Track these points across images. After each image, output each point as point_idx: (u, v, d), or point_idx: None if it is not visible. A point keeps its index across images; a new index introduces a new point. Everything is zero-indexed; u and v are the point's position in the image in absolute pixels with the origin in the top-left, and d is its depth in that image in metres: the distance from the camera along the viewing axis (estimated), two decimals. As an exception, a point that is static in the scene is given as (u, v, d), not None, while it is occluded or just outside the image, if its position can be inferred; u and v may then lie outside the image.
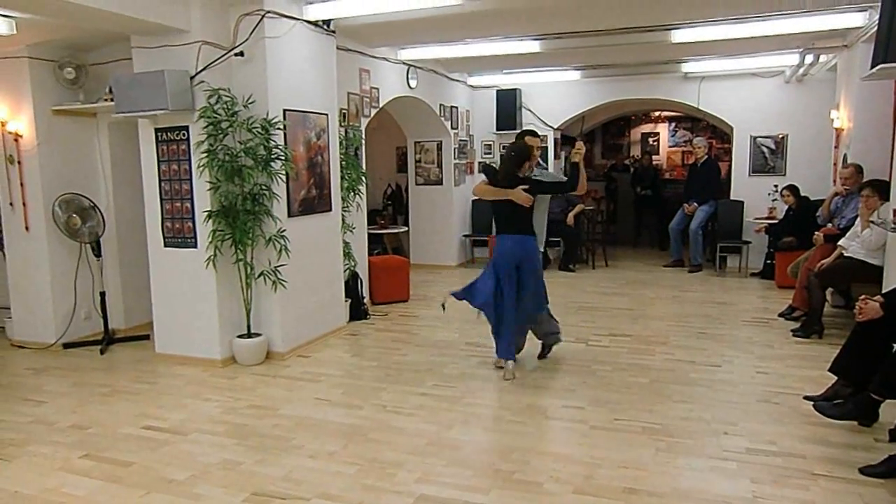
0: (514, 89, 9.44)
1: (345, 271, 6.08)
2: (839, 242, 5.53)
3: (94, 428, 3.87)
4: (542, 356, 5.08)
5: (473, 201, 9.69)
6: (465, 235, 9.68)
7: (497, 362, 4.82)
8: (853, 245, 5.32)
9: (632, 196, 11.49)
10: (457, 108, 9.21)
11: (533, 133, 5.00)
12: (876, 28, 4.09)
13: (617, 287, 7.87)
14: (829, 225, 6.31)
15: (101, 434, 3.78)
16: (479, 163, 4.67)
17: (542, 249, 4.84)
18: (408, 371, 4.83)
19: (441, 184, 9.21)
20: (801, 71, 7.74)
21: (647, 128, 13.16)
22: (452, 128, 9.10)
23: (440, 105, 8.69)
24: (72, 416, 4.07)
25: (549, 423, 3.84)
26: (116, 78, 4.75)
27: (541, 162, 5.17)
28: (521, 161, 4.55)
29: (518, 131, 5.40)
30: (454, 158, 9.20)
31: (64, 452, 3.54)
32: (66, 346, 5.55)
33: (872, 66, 3.98)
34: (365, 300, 6.57)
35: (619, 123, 13.17)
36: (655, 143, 13.06)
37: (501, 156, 4.75)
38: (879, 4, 3.96)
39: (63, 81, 5.46)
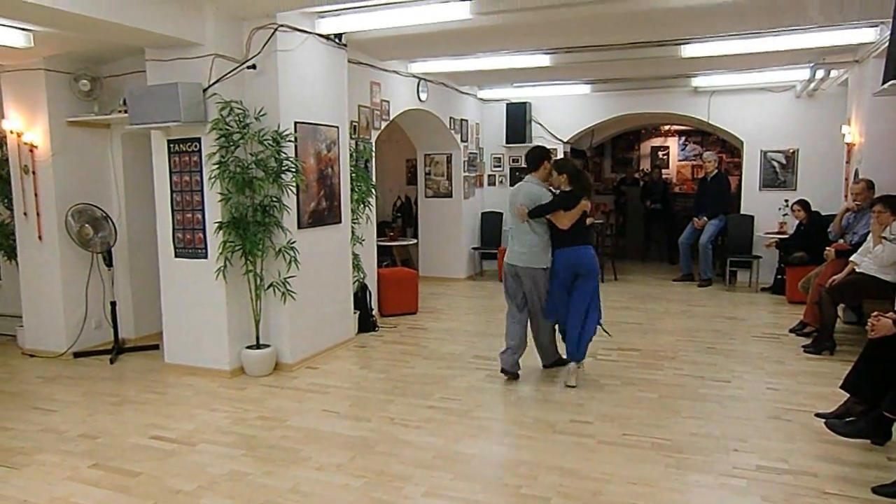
0: (524, 103, 9.47)
1: (354, 283, 6.09)
2: (851, 258, 5.49)
3: (103, 437, 3.88)
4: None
5: (482, 214, 9.71)
6: (475, 248, 9.68)
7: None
8: (865, 261, 5.28)
9: (641, 210, 11.45)
10: (467, 121, 9.25)
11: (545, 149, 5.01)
12: (887, 43, 4.09)
13: (626, 301, 7.83)
14: (841, 240, 6.27)
15: (109, 444, 3.79)
16: (538, 207, 4.64)
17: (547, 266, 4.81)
18: (416, 384, 4.82)
19: (451, 196, 9.24)
20: (812, 86, 7.72)
21: (657, 141, 13.15)
22: (462, 141, 9.13)
23: (450, 118, 8.73)
24: (81, 425, 4.09)
25: (557, 438, 3.82)
26: (130, 90, 4.81)
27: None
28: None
29: (532, 145, 5.39)
30: (464, 171, 9.23)
31: (73, 461, 3.56)
32: (77, 355, 5.58)
33: (884, 82, 3.98)
34: (374, 312, 6.57)
35: (629, 137, 13.17)
36: (665, 157, 13.04)
37: (577, 172, 4.78)
38: (891, 20, 3.97)
39: (78, 93, 5.53)
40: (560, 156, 9.56)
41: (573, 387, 4.67)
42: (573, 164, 4.92)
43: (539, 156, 4.84)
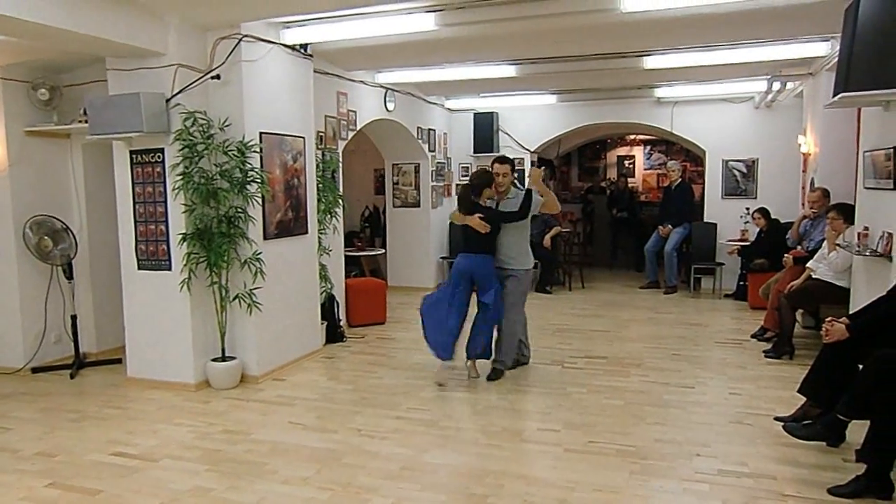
0: (492, 112, 9.55)
1: (321, 294, 6.06)
2: (808, 264, 5.65)
3: (62, 455, 3.79)
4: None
5: (450, 223, 9.72)
6: (443, 257, 9.69)
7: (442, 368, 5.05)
8: (821, 267, 5.44)
9: (608, 218, 11.62)
10: (434, 130, 9.28)
11: (501, 160, 5.17)
12: (838, 57, 4.23)
13: (593, 309, 7.93)
14: (799, 247, 6.44)
15: (68, 461, 3.70)
16: (456, 185, 4.99)
17: (529, 268, 5.15)
18: (383, 394, 4.80)
19: (419, 206, 9.25)
20: (770, 97, 7.94)
21: (622, 151, 13.36)
22: (430, 150, 9.16)
23: (418, 128, 8.75)
24: (38, 443, 3.98)
25: (524, 447, 3.84)
26: (91, 100, 4.73)
27: (517, 185, 5.27)
28: (478, 189, 4.97)
29: (498, 155, 5.59)
30: (432, 181, 9.25)
31: (28, 481, 3.46)
32: (35, 370, 5.44)
33: (835, 95, 4.11)
34: (341, 323, 6.54)
35: (596, 146, 13.37)
36: (631, 166, 13.26)
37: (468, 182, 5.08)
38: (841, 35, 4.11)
39: (36, 102, 5.42)
40: (529, 165, 9.67)
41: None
42: (472, 173, 5.30)
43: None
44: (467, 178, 4.85)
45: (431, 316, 5.03)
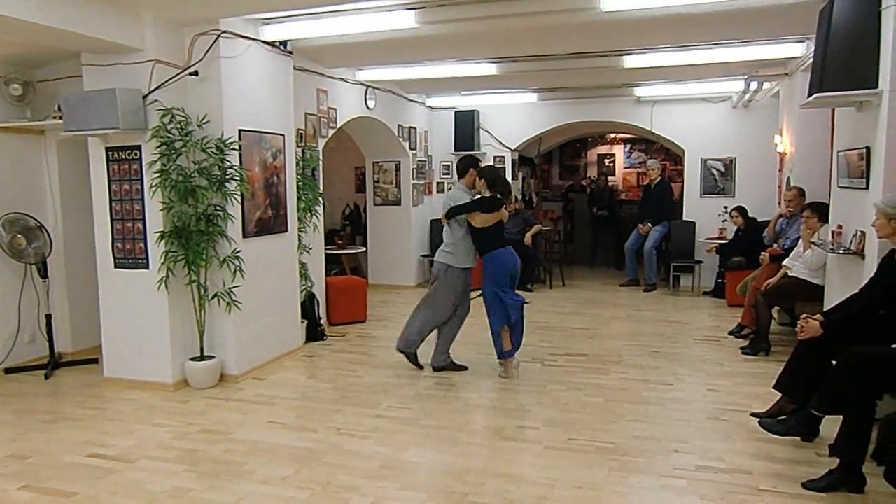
0: (473, 111, 9.55)
1: (301, 292, 6.03)
2: (784, 262, 5.73)
3: (36, 457, 3.72)
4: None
5: (431, 221, 9.73)
6: (424, 255, 9.68)
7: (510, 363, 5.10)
8: (796, 265, 5.52)
9: (588, 216, 11.69)
10: (415, 128, 9.27)
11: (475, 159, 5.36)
12: (812, 58, 4.29)
13: (573, 307, 7.97)
14: (775, 245, 6.53)
15: (42, 463, 3.64)
16: (452, 208, 5.04)
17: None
18: (363, 393, 4.79)
19: (399, 204, 9.23)
20: (747, 97, 8.04)
21: (603, 149, 13.43)
22: (411, 148, 9.15)
23: (398, 126, 8.73)
24: (11, 445, 3.91)
25: (504, 444, 3.86)
26: (65, 96, 4.65)
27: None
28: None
29: (467, 153, 5.75)
30: (413, 179, 9.23)
31: (1, 483, 3.40)
32: (8, 371, 5.34)
33: (809, 95, 4.18)
34: (322, 321, 6.51)
35: (576, 145, 13.42)
36: (611, 165, 13.33)
37: (495, 178, 5.09)
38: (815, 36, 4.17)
39: (9, 98, 5.33)
40: (511, 165, 9.70)
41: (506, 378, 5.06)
42: (493, 171, 5.23)
43: (466, 164, 5.21)
44: (494, 173, 4.79)
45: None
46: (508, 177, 9.69)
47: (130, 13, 4.47)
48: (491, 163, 9.46)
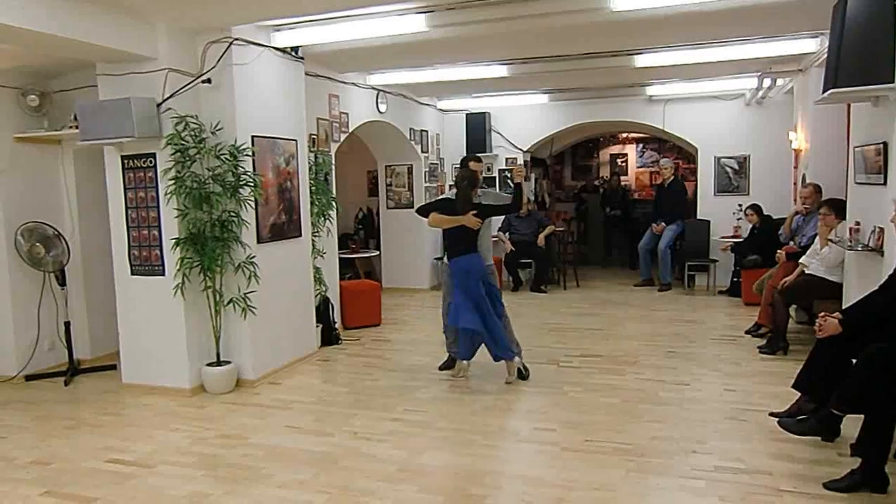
0: (484, 113, 9.55)
1: (316, 296, 6.05)
2: (800, 260, 5.67)
3: (57, 463, 3.77)
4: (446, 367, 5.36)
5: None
6: (437, 258, 9.68)
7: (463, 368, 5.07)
8: (814, 263, 5.46)
9: (602, 217, 11.64)
10: (427, 131, 9.28)
11: (476, 158, 5.36)
12: (826, 54, 4.25)
13: (588, 307, 7.94)
14: (791, 243, 6.46)
15: (63, 469, 3.68)
16: (421, 208, 5.14)
17: (489, 263, 5.19)
18: (379, 396, 4.80)
19: (412, 207, 9.21)
20: (761, 94, 7.97)
21: (615, 149, 13.38)
22: (423, 151, 9.16)
23: (410, 129, 8.75)
24: (33, 451, 3.96)
25: (520, 446, 3.85)
26: (81, 105, 4.71)
27: (483, 185, 5.39)
28: (473, 187, 4.98)
29: (469, 155, 5.76)
30: (425, 182, 9.25)
31: (24, 490, 3.44)
32: (29, 378, 5.41)
33: (824, 91, 4.13)
34: (336, 325, 6.53)
35: (588, 145, 13.38)
36: (624, 164, 13.27)
37: (456, 184, 5.11)
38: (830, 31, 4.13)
39: (26, 108, 5.40)
40: (524, 167, 9.68)
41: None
42: (460, 174, 5.11)
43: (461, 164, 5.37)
44: (455, 182, 4.99)
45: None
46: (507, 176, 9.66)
47: (144, 23, 4.52)
48: (503, 164, 9.47)
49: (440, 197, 5.11)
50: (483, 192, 5.22)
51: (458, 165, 5.39)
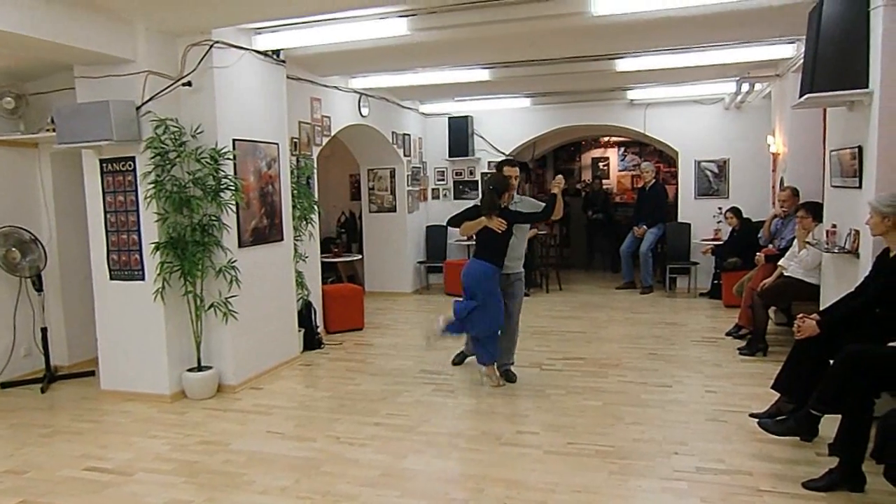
0: (466, 116, 9.57)
1: (298, 301, 6.01)
2: (779, 262, 5.75)
3: (33, 472, 3.70)
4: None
5: (427, 228, 9.74)
6: (420, 262, 9.69)
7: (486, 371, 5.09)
8: (792, 265, 5.53)
9: (584, 220, 11.70)
10: (409, 135, 9.28)
11: (511, 163, 5.20)
12: (802, 59, 4.31)
13: (570, 310, 7.97)
14: (770, 245, 6.54)
15: (39, 478, 3.62)
16: (453, 219, 5.15)
17: (521, 270, 5.23)
18: (362, 401, 4.78)
19: (395, 211, 9.23)
20: (739, 98, 8.07)
21: (597, 153, 13.48)
22: (405, 155, 9.15)
23: (392, 133, 8.74)
24: (8, 460, 3.88)
25: (503, 450, 3.85)
26: (59, 108, 4.64)
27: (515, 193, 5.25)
28: (500, 193, 4.87)
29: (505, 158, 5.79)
30: (407, 185, 9.24)
31: (-1, 499, 3.38)
32: (4, 385, 5.31)
33: (801, 96, 4.20)
34: (319, 329, 6.49)
35: (570, 149, 13.46)
36: (606, 168, 13.38)
37: (484, 189, 5.19)
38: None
39: (2, 111, 5.31)
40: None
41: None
42: (489, 178, 5.16)
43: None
44: (444, 183, 5.06)
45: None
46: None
47: (122, 24, 4.47)
48: (485, 168, 9.49)
49: (471, 206, 5.07)
50: (520, 199, 5.12)
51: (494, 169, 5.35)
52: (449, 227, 5.68)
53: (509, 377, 5.13)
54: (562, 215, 5.16)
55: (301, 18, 4.87)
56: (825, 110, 5.20)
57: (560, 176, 5.22)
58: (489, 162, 9.72)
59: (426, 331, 5.28)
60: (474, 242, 5.16)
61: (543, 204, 5.04)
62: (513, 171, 5.04)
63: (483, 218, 4.79)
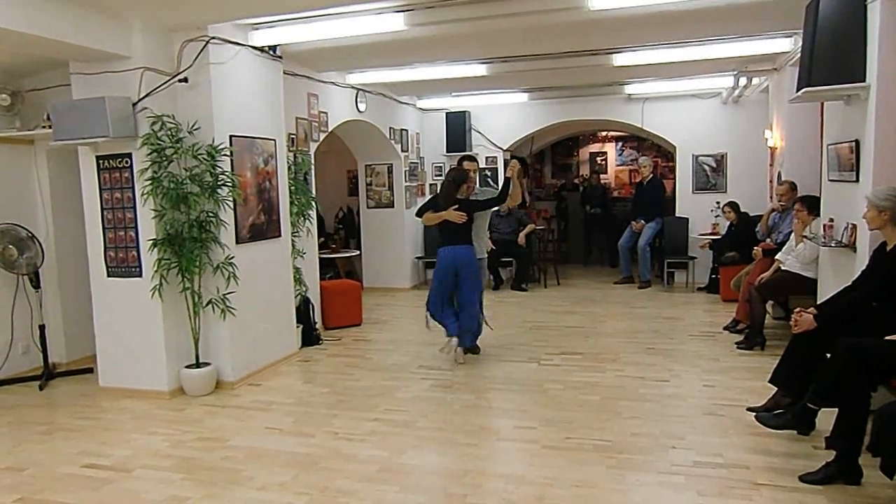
0: (464, 112, 9.55)
1: (296, 297, 6.02)
2: (777, 256, 5.75)
3: (31, 469, 3.70)
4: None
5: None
6: (418, 257, 9.69)
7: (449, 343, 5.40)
8: (789, 259, 5.54)
9: (582, 215, 11.70)
10: (407, 130, 9.27)
11: (470, 158, 5.70)
12: (800, 53, 4.31)
13: (568, 305, 7.98)
14: (768, 240, 6.55)
15: (38, 475, 3.62)
16: (417, 210, 5.64)
17: (484, 255, 5.68)
18: (360, 396, 4.78)
19: (392, 206, 9.23)
20: (737, 93, 8.07)
21: (595, 147, 13.46)
22: (403, 150, 9.14)
23: (390, 128, 8.73)
24: (6, 457, 3.89)
25: (501, 445, 3.86)
26: (54, 105, 4.63)
27: (490, 182, 5.52)
28: (457, 185, 5.31)
29: (464, 154, 6.04)
30: (405, 181, 9.23)
31: (-2, 496, 3.38)
32: (2, 382, 5.30)
33: (798, 90, 4.20)
34: (317, 325, 6.50)
35: (568, 143, 13.44)
36: (603, 163, 13.36)
37: (442, 183, 5.54)
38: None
39: (-3, 108, 5.30)
40: (504, 165, 9.70)
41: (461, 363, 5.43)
42: (448, 173, 5.58)
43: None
44: (442, 178, 5.29)
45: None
46: (500, 176, 9.69)
47: (118, 21, 4.46)
48: (483, 164, 9.48)
49: (431, 196, 5.54)
50: (480, 191, 5.57)
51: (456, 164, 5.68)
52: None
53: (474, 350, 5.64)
54: (521, 200, 5.68)
55: (297, 14, 4.85)
56: (822, 104, 5.21)
57: (514, 160, 5.54)
58: (487, 157, 9.72)
59: (444, 348, 5.49)
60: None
61: (495, 189, 5.40)
62: (472, 165, 5.58)
63: (444, 212, 5.23)
